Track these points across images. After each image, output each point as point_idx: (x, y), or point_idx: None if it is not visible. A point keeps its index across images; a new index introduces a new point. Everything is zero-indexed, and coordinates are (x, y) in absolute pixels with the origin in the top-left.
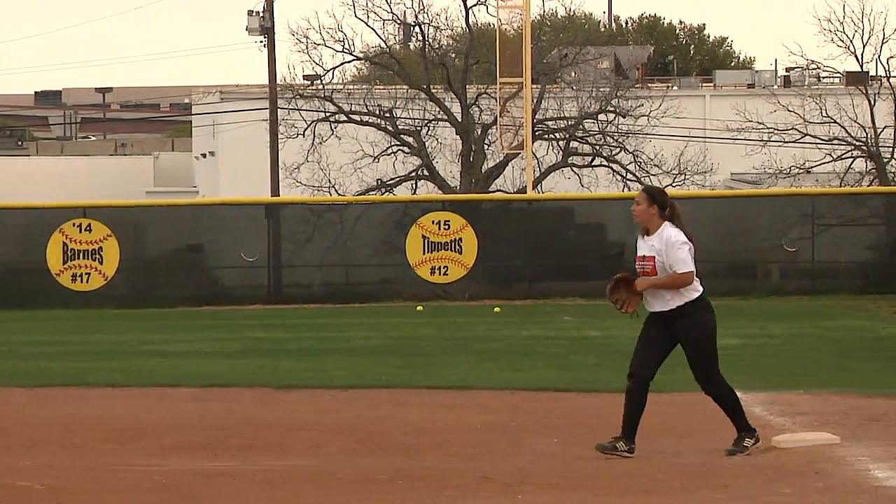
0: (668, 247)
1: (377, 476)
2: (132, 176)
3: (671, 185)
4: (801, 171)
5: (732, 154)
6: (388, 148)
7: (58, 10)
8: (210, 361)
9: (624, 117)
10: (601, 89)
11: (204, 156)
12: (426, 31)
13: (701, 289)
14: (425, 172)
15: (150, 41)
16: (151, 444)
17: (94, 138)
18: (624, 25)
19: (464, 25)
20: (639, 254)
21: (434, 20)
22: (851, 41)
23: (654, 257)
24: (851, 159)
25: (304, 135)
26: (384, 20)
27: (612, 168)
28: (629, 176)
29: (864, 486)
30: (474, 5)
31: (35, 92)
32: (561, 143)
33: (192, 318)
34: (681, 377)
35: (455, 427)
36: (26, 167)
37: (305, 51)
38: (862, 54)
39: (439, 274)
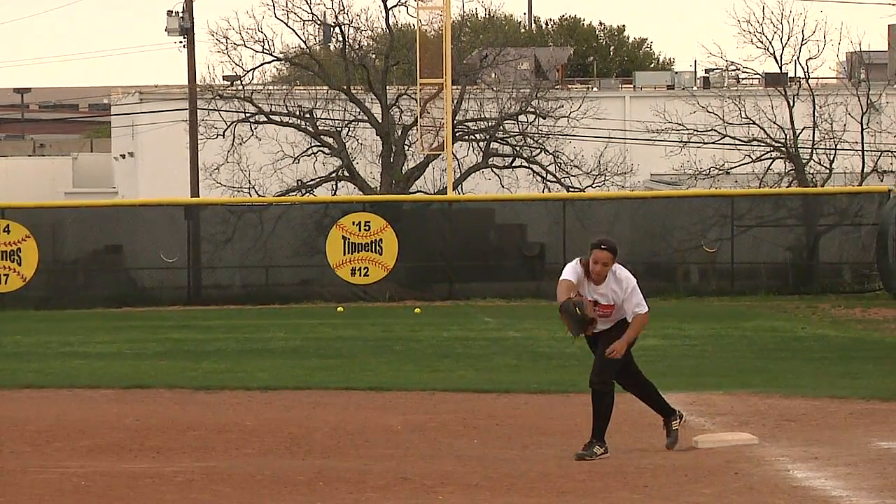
0: (631, 291)
1: (297, 477)
2: (51, 177)
3: (591, 185)
4: (721, 172)
5: (652, 155)
6: (308, 149)
7: None
8: (129, 363)
9: (544, 118)
10: (521, 90)
11: (123, 156)
12: (346, 32)
13: None
14: (345, 173)
15: (68, 41)
16: (70, 445)
17: (2, 137)
18: (544, 27)
19: (384, 26)
20: (589, 297)
21: (354, 21)
22: (770, 42)
23: (612, 306)
24: (770, 160)
25: (223, 135)
26: (304, 21)
27: (532, 169)
28: (549, 177)
29: (782, 486)
30: (394, 6)
31: None
32: (481, 144)
33: (111, 319)
34: None
35: (375, 428)
36: None
37: (225, 51)
38: (781, 55)
39: (359, 275)
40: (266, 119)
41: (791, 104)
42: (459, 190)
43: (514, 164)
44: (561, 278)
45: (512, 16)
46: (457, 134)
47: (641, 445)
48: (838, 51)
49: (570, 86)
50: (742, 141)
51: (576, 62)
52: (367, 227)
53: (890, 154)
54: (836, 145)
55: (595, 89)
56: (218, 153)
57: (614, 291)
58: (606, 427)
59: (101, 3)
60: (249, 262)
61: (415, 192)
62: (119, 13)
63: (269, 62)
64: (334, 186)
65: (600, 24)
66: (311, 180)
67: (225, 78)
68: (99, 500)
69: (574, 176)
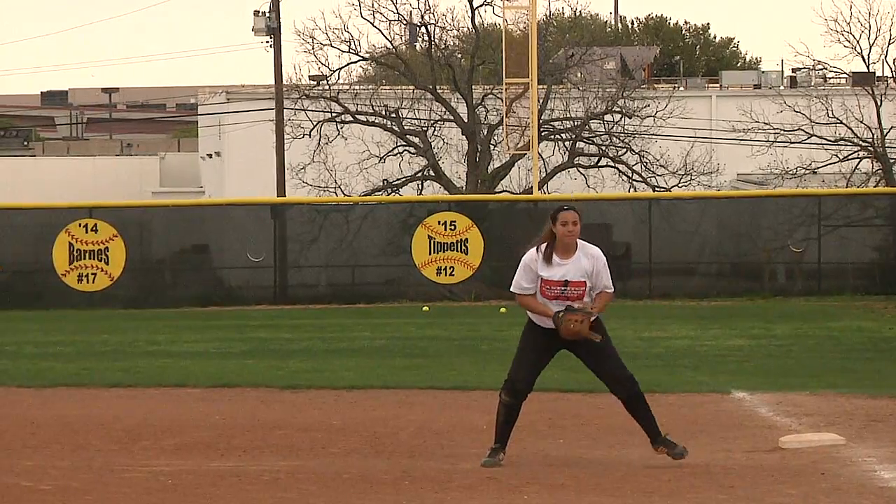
0: (601, 265)
1: (382, 476)
2: (138, 176)
3: (677, 185)
4: (807, 171)
5: (738, 154)
6: (393, 148)
7: (63, 10)
8: (216, 362)
9: (630, 118)
10: (607, 90)
11: (210, 156)
12: (432, 32)
13: None
14: (431, 173)
15: (155, 41)
16: (156, 444)
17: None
18: (630, 26)
19: (470, 26)
20: (554, 278)
21: (440, 20)
22: (858, 41)
23: (584, 283)
24: (858, 160)
25: (310, 135)
26: (390, 20)
27: (618, 168)
28: (635, 176)
29: (869, 486)
30: (480, 6)
31: (41, 92)
32: (567, 143)
33: (197, 318)
34: (685, 377)
35: (460, 428)
36: (33, 167)
37: (311, 51)
38: (868, 55)
39: (445, 274)
40: (352, 119)
41: (878, 103)
42: (545, 189)
43: (599, 164)
44: (517, 292)
45: (598, 15)
46: (542, 133)
47: (727, 446)
48: None
49: (656, 85)
50: (829, 140)
51: (662, 61)
52: (452, 227)
53: None
54: None
55: (681, 88)
56: (304, 153)
57: (586, 264)
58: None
59: (189, 2)
60: (335, 262)
61: (500, 192)
62: (206, 13)
63: (356, 62)
64: (420, 186)
65: (686, 23)
66: (397, 180)
67: (311, 77)
68: (185, 498)
69: (660, 175)
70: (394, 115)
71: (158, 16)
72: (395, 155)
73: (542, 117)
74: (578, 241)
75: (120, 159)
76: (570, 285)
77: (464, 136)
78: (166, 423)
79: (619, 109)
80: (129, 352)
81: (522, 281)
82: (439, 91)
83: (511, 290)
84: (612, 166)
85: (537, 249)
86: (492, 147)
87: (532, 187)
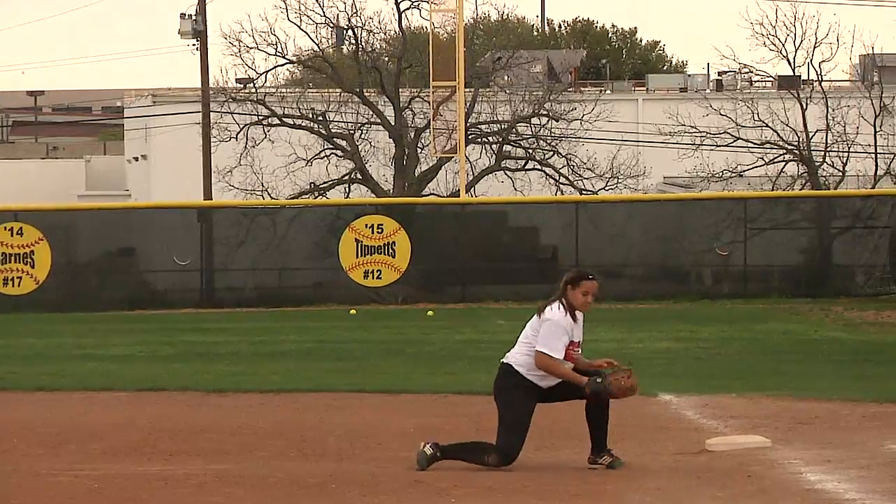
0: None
1: (309, 480)
2: (64, 179)
3: (604, 188)
4: (734, 174)
5: (665, 158)
6: (321, 151)
7: None
8: (142, 365)
9: (557, 121)
10: (534, 93)
11: (136, 159)
12: (359, 35)
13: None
14: (358, 176)
15: (81, 44)
16: (82, 448)
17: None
18: (556, 29)
19: (397, 29)
20: (575, 340)
21: (367, 24)
22: (783, 45)
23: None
24: (783, 163)
25: (236, 138)
26: (317, 23)
27: (545, 172)
28: (562, 179)
29: (795, 488)
30: (407, 9)
31: None
32: (494, 146)
33: (124, 322)
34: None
35: (388, 431)
36: None
37: (238, 54)
38: (794, 58)
39: (372, 278)
40: (279, 122)
41: (804, 107)
42: (472, 192)
43: (526, 167)
44: (553, 356)
45: (525, 18)
46: (469, 136)
47: (654, 448)
48: (851, 53)
49: (582, 88)
50: (755, 144)
51: (588, 65)
52: (379, 230)
53: None
54: (849, 148)
55: (608, 92)
56: (231, 156)
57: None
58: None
59: (114, 5)
60: (262, 265)
61: (428, 195)
62: (132, 15)
63: (282, 65)
64: (347, 189)
65: (613, 26)
66: (324, 183)
67: (238, 80)
68: (111, 502)
69: (587, 178)
70: (321, 118)
71: (84, 18)
72: (322, 158)
73: (470, 120)
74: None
75: (45, 162)
76: (577, 346)
77: (391, 140)
78: (93, 427)
79: (545, 113)
80: (55, 356)
81: (560, 344)
82: (366, 94)
83: (546, 352)
84: (539, 169)
85: (566, 313)
86: (419, 150)
87: (459, 190)
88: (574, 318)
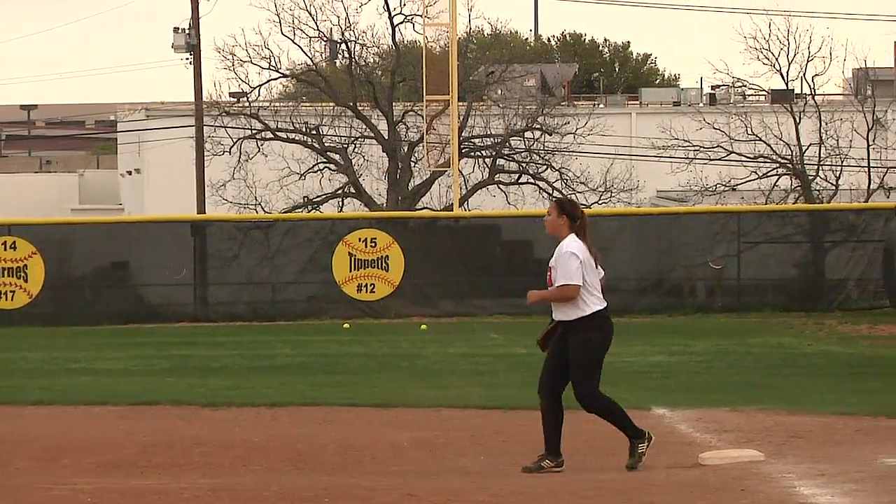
0: (559, 257)
1: (303, 494)
2: (57, 193)
3: (597, 202)
4: (727, 188)
5: (658, 171)
6: (314, 165)
7: None
8: (136, 379)
9: (550, 135)
10: (527, 107)
11: (130, 173)
12: (352, 49)
13: (598, 305)
14: (352, 190)
15: (75, 58)
16: (77, 462)
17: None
18: (548, 42)
19: (390, 43)
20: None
21: (360, 37)
22: (777, 59)
23: (551, 269)
24: (777, 177)
25: (230, 152)
26: (310, 37)
27: (538, 185)
28: (556, 193)
29: (789, 502)
30: (401, 23)
31: None
32: (487, 160)
33: (118, 335)
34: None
35: (382, 445)
36: None
37: (231, 68)
38: (787, 72)
39: (366, 291)
40: (272, 136)
41: (797, 120)
42: (466, 206)
43: (520, 181)
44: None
45: (517, 32)
46: (463, 150)
47: (647, 462)
48: (844, 67)
49: (575, 102)
50: (748, 157)
51: (581, 78)
52: (373, 244)
53: None
54: (842, 162)
55: (601, 106)
56: (224, 170)
57: (556, 255)
58: (630, 423)
59: (108, 19)
60: (256, 279)
61: (421, 209)
62: (126, 29)
63: (276, 79)
64: (341, 203)
65: (605, 40)
66: (318, 197)
67: (231, 94)
68: None
69: (580, 192)
70: (314, 132)
71: (77, 32)
72: (315, 172)
73: (463, 134)
74: (572, 235)
75: (39, 176)
76: (550, 270)
77: (384, 153)
78: (87, 441)
79: (539, 126)
80: (50, 370)
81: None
82: (360, 108)
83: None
84: (532, 183)
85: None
86: (412, 164)
87: (452, 204)
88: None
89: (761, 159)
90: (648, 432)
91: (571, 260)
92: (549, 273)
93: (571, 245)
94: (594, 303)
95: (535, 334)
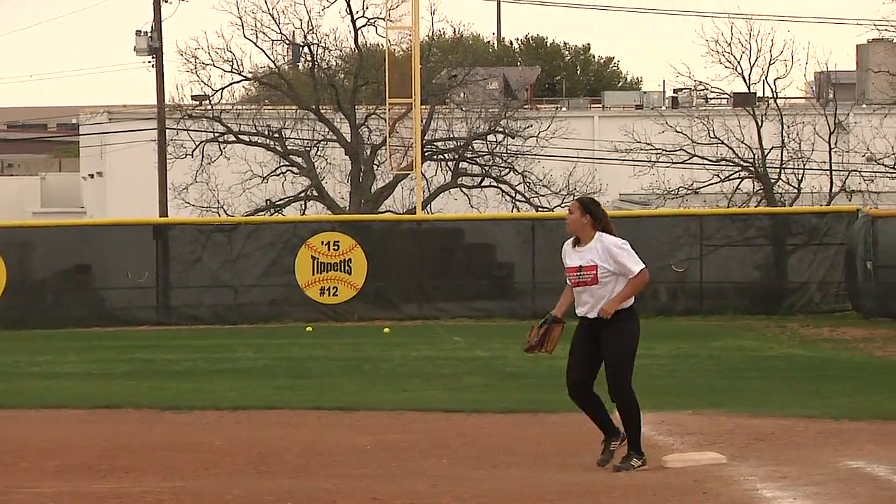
0: (615, 253)
1: (266, 497)
2: (19, 196)
3: (560, 205)
4: (689, 191)
5: (621, 175)
6: (276, 168)
7: None
8: (98, 383)
9: (513, 138)
10: (490, 110)
11: (91, 176)
12: (315, 52)
13: (634, 298)
14: (314, 193)
15: (37, 61)
16: (38, 466)
17: None
18: (510, 46)
19: (353, 46)
20: (572, 265)
21: (323, 41)
22: (739, 62)
23: (596, 266)
24: (739, 180)
25: (192, 155)
26: (273, 40)
27: (501, 189)
28: (518, 196)
29: None
30: (363, 26)
31: None
32: (450, 163)
33: (80, 339)
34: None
35: (345, 448)
36: None
37: (194, 71)
38: (749, 75)
39: (329, 295)
40: (235, 139)
41: (759, 124)
42: (428, 209)
43: (483, 184)
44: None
45: (480, 36)
46: (426, 153)
47: (612, 464)
48: (806, 71)
49: (538, 105)
50: (711, 161)
51: (544, 81)
52: (336, 247)
53: (858, 174)
54: (804, 165)
55: (564, 109)
56: (187, 173)
57: (601, 253)
58: (639, 436)
59: (70, 22)
60: (218, 282)
61: (384, 212)
62: (88, 32)
63: (238, 82)
64: (303, 206)
65: (564, 43)
66: (280, 200)
67: (194, 97)
68: None
69: (543, 196)
70: (277, 135)
71: (39, 35)
72: (278, 175)
73: (426, 137)
74: (600, 233)
75: (0, 179)
76: (580, 270)
77: (347, 157)
78: (48, 445)
79: (502, 130)
80: (11, 373)
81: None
82: (322, 111)
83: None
84: (495, 186)
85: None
86: (375, 167)
87: (415, 207)
88: (575, 243)
89: (724, 163)
90: (645, 457)
91: (629, 248)
92: (576, 272)
93: (616, 239)
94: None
95: (495, 337)
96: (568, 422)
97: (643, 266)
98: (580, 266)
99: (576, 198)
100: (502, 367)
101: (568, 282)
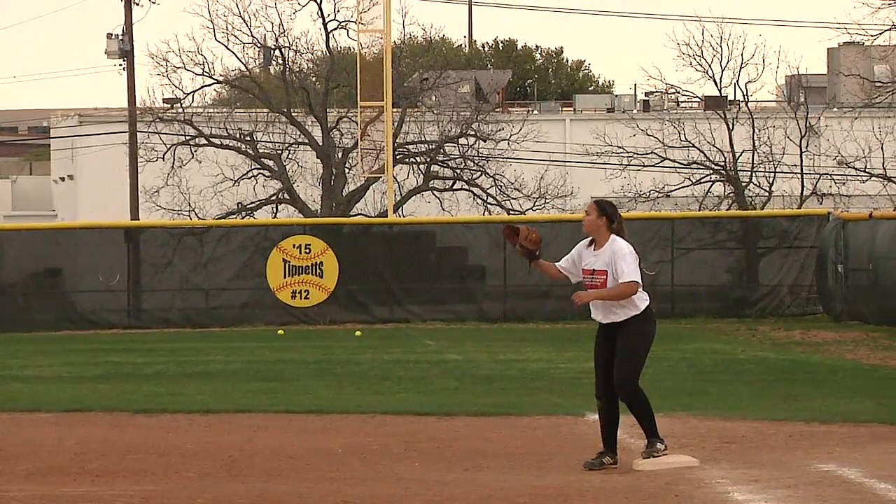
0: (617, 258)
1: (237, 501)
2: None
3: (532, 208)
4: (661, 194)
5: (592, 178)
6: (248, 171)
7: None
8: (69, 386)
9: (484, 141)
10: (461, 113)
11: (63, 179)
12: (286, 55)
13: (648, 300)
14: (286, 196)
15: (7, 63)
16: (9, 469)
17: None
18: (482, 49)
19: (324, 49)
20: (587, 267)
21: (294, 44)
22: (710, 65)
23: (605, 271)
24: (710, 183)
25: (163, 158)
26: (244, 43)
27: (472, 192)
28: (490, 200)
29: None
30: (335, 29)
31: None
32: (422, 166)
33: (50, 342)
34: (540, 400)
35: (316, 451)
36: None
37: (165, 74)
38: (720, 78)
39: (300, 298)
40: (206, 142)
41: (730, 127)
42: (400, 213)
43: (454, 187)
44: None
45: (449, 38)
46: (397, 157)
47: (581, 469)
48: (777, 74)
49: (510, 108)
50: (682, 164)
51: (515, 85)
52: (307, 250)
53: (829, 177)
54: (775, 168)
55: (535, 112)
56: (158, 176)
57: (609, 256)
58: (653, 423)
59: (41, 24)
60: (189, 285)
61: (355, 215)
62: (59, 35)
63: (209, 85)
64: (275, 209)
65: (536, 47)
66: (252, 203)
67: (165, 101)
68: None
69: (514, 199)
70: (248, 138)
71: (10, 38)
72: (249, 178)
73: (397, 140)
74: (614, 236)
75: None
76: (593, 273)
77: (318, 160)
78: (19, 449)
79: (473, 133)
80: None
81: (565, 258)
82: (294, 114)
83: None
84: (467, 189)
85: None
86: (346, 170)
87: (387, 210)
88: (590, 243)
89: (695, 166)
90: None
91: (634, 259)
92: (590, 275)
93: (628, 246)
94: (645, 298)
95: (467, 341)
96: (540, 425)
97: (635, 280)
98: (593, 270)
99: (592, 199)
100: (474, 371)
101: (561, 266)
